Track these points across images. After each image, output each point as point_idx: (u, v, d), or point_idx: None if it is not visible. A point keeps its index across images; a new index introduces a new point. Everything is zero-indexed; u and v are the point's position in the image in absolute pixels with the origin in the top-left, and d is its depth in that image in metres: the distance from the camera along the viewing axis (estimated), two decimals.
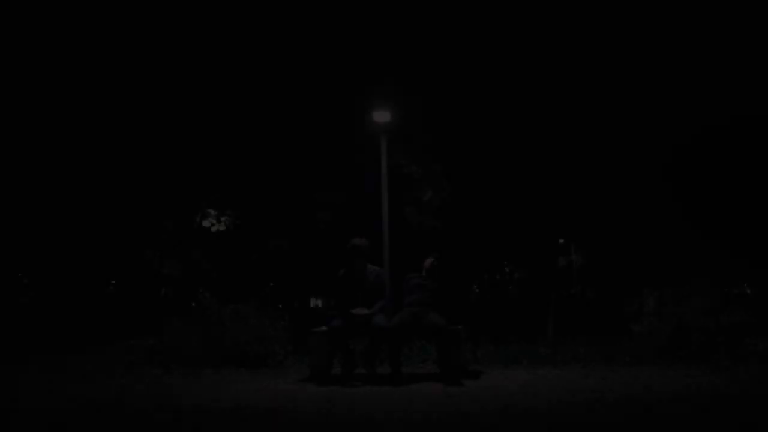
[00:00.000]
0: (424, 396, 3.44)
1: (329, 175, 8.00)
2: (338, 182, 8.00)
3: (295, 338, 5.89)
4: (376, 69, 7.35)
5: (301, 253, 10.53)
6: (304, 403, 3.30)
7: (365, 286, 4.47)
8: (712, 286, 5.29)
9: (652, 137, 7.97)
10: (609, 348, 5.55)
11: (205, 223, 9.60)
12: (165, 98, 8.85)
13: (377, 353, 4.51)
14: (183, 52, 8.40)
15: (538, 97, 8.71)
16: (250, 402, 3.35)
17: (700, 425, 2.53)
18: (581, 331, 7.25)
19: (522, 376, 4.21)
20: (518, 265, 28.34)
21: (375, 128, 6.43)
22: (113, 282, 34.29)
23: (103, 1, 8.68)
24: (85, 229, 20.07)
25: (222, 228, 9.72)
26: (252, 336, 5.22)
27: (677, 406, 2.94)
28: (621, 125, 7.94)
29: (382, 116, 6.17)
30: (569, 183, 9.11)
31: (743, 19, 7.99)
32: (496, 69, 7.93)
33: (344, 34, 7.59)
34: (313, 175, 8.34)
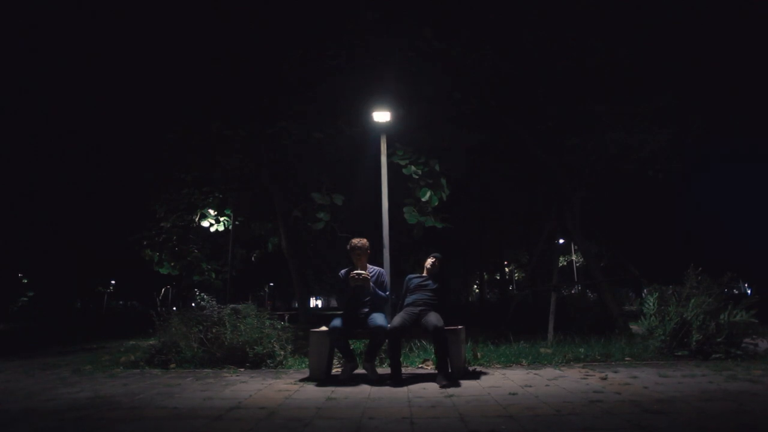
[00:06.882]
0: (424, 396, 3.44)
1: (329, 175, 7.99)
2: (338, 182, 7.99)
3: (295, 338, 5.90)
4: (377, 69, 7.35)
5: (301, 253, 10.53)
6: (304, 403, 3.30)
7: (366, 286, 4.47)
8: (712, 286, 5.27)
9: (651, 138, 7.96)
10: (609, 348, 5.55)
11: (204, 224, 9.60)
12: (162, 97, 8.83)
13: (377, 353, 4.51)
14: (183, 51, 8.39)
15: (537, 96, 8.70)
16: (250, 402, 3.35)
17: (701, 426, 2.52)
18: (581, 331, 7.26)
19: (522, 377, 4.20)
20: (519, 265, 28.39)
21: (375, 128, 6.43)
22: (113, 282, 34.30)
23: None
24: (85, 230, 20.05)
25: (221, 228, 9.72)
26: (252, 336, 5.21)
27: (678, 407, 2.94)
28: (620, 127, 7.93)
29: (382, 116, 6.18)
30: (569, 182, 9.09)
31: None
32: (496, 68, 7.93)
33: (344, 34, 7.59)
34: (313, 175, 8.33)
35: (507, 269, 29.02)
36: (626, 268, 8.60)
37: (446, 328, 4.19)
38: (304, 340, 5.85)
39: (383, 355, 5.08)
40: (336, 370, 4.65)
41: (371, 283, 4.46)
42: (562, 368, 4.63)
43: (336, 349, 4.50)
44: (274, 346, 5.27)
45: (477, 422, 2.68)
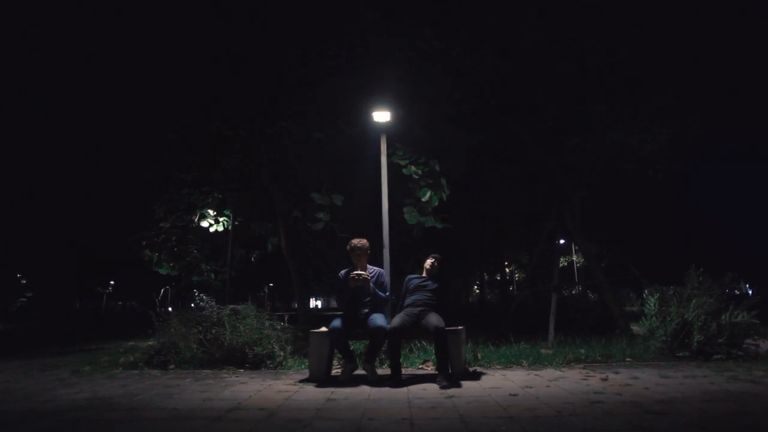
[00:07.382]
0: (425, 397, 3.42)
1: (329, 175, 7.98)
2: (338, 182, 7.98)
3: (295, 339, 5.88)
4: (377, 69, 7.34)
5: (301, 254, 10.51)
6: (304, 404, 3.28)
7: (366, 287, 4.46)
8: (713, 287, 5.25)
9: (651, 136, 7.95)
10: (610, 349, 5.54)
11: (204, 224, 9.59)
12: (162, 97, 8.83)
13: (377, 354, 4.49)
14: (183, 51, 8.39)
15: (537, 96, 8.68)
16: (250, 403, 3.33)
17: (702, 427, 2.51)
18: (582, 331, 7.25)
19: (523, 377, 4.19)
20: (519, 265, 28.38)
21: (375, 128, 6.42)
22: (112, 282, 34.27)
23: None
24: (85, 230, 20.02)
25: (220, 228, 9.71)
26: (251, 337, 5.20)
27: (679, 408, 2.92)
28: (620, 127, 7.92)
29: (382, 116, 6.16)
30: (569, 182, 9.08)
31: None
32: (496, 68, 7.92)
33: (344, 34, 7.58)
34: (313, 175, 8.32)
35: (507, 270, 29.01)
36: (627, 269, 8.59)
37: (447, 328, 4.18)
38: (303, 340, 5.83)
39: (383, 356, 5.06)
40: (336, 371, 4.63)
41: (371, 284, 4.45)
42: (562, 369, 4.61)
43: (336, 350, 4.48)
44: (274, 347, 5.26)
45: (477, 423, 2.66)
